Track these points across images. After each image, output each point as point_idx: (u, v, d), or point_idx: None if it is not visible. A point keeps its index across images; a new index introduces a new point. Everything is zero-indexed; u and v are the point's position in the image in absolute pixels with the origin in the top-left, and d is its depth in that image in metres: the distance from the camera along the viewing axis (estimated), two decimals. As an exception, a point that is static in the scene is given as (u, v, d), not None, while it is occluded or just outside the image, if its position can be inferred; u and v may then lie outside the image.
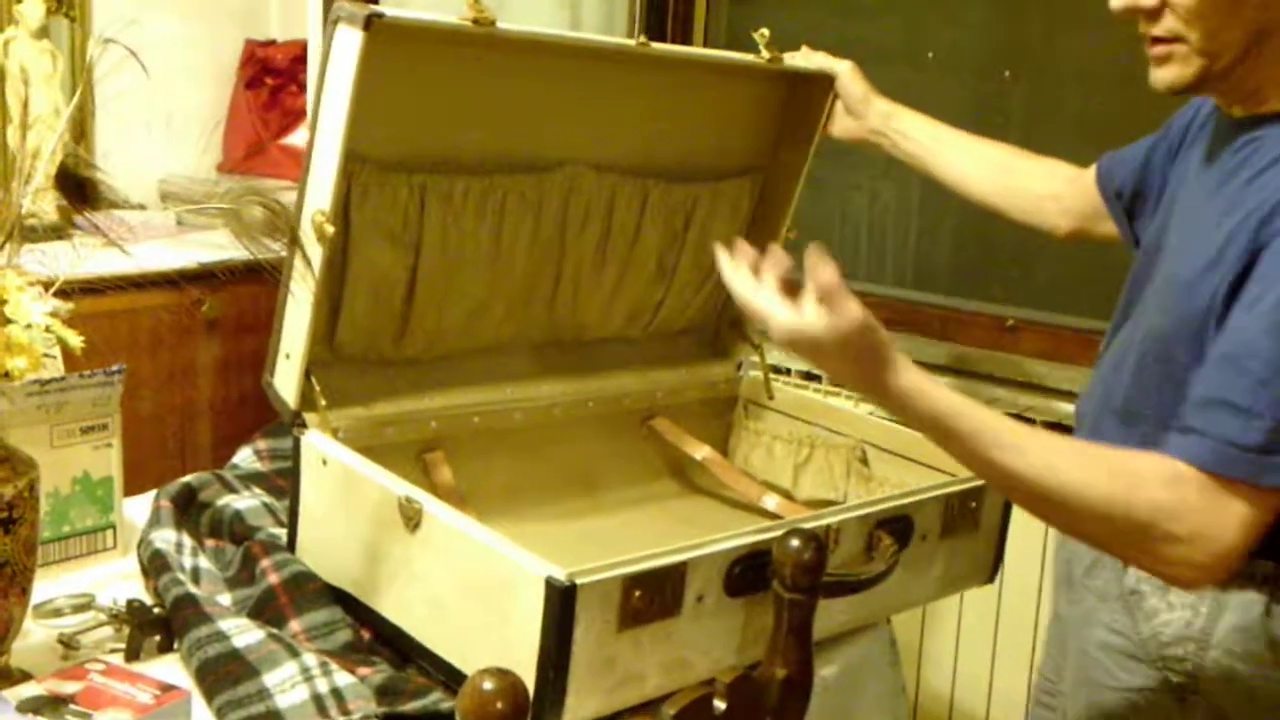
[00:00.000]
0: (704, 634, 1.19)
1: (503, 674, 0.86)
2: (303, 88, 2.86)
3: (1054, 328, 2.10)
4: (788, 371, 2.23)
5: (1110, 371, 1.27)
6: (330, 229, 1.26)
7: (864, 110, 1.65)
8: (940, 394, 1.06)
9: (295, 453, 1.35)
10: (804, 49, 1.68)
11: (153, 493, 1.56)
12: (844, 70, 1.66)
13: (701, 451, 1.68)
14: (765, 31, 1.62)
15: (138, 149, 2.72)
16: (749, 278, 1.06)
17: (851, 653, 1.40)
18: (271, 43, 2.92)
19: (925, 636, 2.20)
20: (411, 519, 1.20)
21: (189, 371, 2.42)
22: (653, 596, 1.13)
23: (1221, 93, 1.18)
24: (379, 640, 1.28)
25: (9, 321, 1.08)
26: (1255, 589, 1.17)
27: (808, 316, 1.02)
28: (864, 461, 1.62)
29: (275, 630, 1.24)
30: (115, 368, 1.44)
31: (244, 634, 1.22)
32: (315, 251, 1.28)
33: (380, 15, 1.24)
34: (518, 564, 1.10)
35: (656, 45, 1.51)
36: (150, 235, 2.50)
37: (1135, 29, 1.16)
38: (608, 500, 1.66)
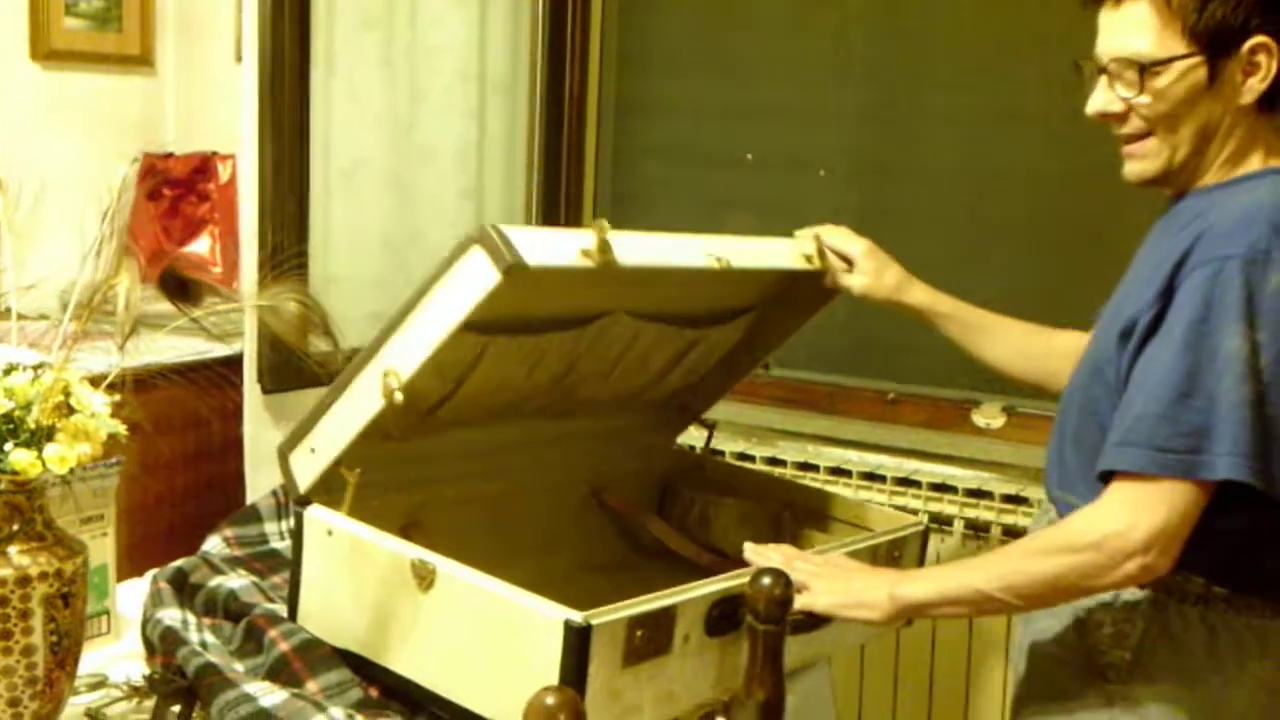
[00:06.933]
0: (688, 670, 1.35)
1: (561, 690, 1.01)
2: (201, 197, 2.97)
3: (931, 399, 2.34)
4: (721, 454, 2.39)
5: (1062, 408, 1.48)
6: (400, 397, 1.35)
7: (875, 289, 1.69)
8: (929, 587, 1.39)
9: (298, 526, 1.46)
10: (828, 226, 1.70)
11: (130, 581, 1.66)
12: (860, 251, 1.69)
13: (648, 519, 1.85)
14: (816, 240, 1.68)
15: (40, 262, 2.77)
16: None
17: (802, 686, 1.58)
18: (170, 155, 3.02)
19: (864, 679, 2.39)
20: (425, 579, 1.33)
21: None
22: (650, 635, 1.29)
23: (1178, 185, 1.40)
24: (385, 695, 1.40)
25: (72, 411, 1.19)
26: (1189, 605, 1.36)
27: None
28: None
29: (296, 689, 1.35)
30: (114, 459, 1.53)
31: (269, 695, 1.33)
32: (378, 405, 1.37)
33: (524, 267, 1.28)
34: (536, 611, 1.25)
35: (736, 264, 1.55)
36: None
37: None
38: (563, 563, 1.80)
